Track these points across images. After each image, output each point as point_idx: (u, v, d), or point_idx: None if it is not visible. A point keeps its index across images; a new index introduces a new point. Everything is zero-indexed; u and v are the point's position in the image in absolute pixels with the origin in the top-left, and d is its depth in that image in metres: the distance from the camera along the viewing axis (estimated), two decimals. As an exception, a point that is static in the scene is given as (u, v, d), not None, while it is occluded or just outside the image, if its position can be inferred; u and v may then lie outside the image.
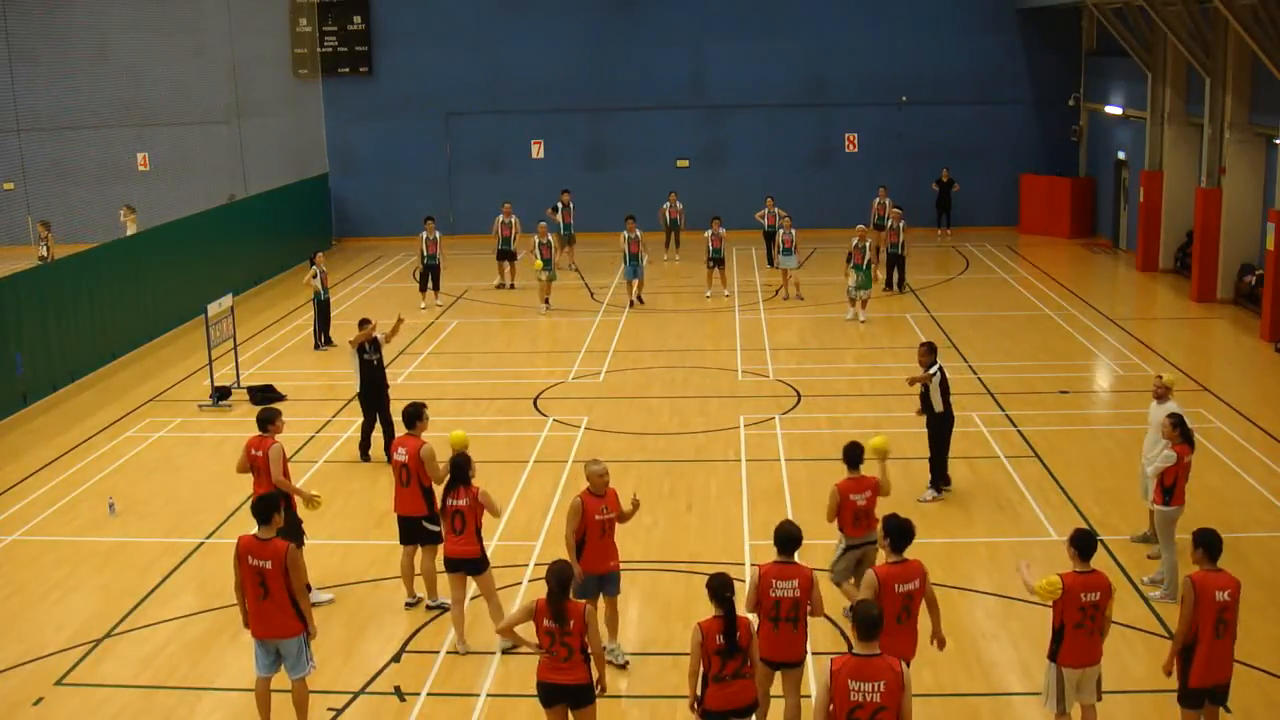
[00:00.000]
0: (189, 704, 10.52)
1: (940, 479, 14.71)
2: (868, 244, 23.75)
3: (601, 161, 33.99)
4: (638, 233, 25.13)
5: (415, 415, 12.10)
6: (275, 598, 9.48)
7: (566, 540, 10.60)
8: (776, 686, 9.33)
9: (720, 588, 8.39)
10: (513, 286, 27.60)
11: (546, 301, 25.42)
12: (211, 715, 10.43)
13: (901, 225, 25.58)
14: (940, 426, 14.53)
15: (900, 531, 9.07)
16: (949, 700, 10.19)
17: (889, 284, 26.08)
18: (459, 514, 10.93)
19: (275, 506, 9.67)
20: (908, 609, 8.93)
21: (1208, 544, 8.76)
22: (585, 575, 10.45)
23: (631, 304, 25.52)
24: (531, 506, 14.66)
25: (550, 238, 25.31)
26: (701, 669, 8.39)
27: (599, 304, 26.06)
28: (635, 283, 25.61)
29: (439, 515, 11.86)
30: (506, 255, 27.48)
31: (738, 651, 8.34)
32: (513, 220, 27.27)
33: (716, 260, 25.77)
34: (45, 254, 26.78)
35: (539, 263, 24.93)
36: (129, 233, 28.66)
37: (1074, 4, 30.90)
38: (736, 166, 33.68)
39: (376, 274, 30.28)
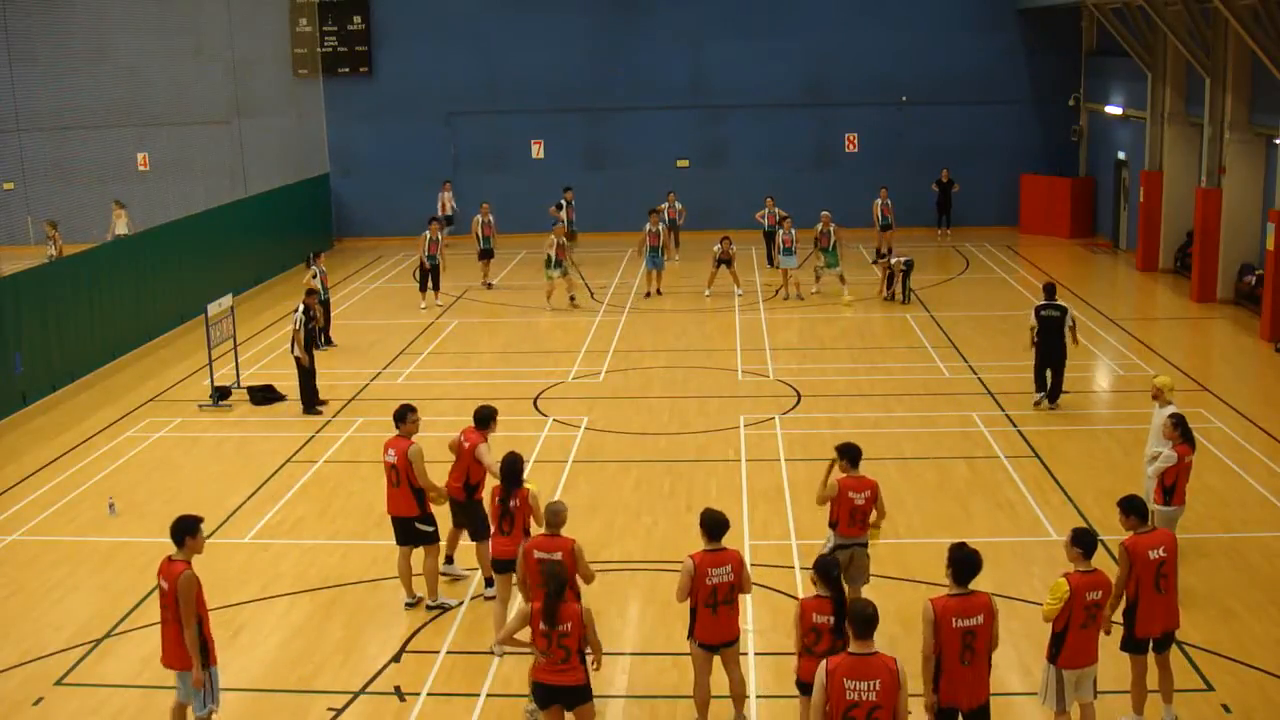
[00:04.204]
0: (189, 704, 10.51)
1: (1040, 385, 17.88)
2: (832, 228, 25.37)
3: (601, 161, 33.98)
4: (660, 226, 26.23)
5: (401, 417, 12.02)
6: (169, 625, 9.17)
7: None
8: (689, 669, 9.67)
9: (828, 568, 8.71)
10: (489, 285, 27.83)
11: (572, 298, 25.77)
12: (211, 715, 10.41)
13: (894, 265, 25.27)
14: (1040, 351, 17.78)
15: (963, 562, 8.36)
16: (949, 700, 10.18)
17: (905, 297, 25.67)
18: (508, 516, 10.87)
19: (189, 529, 9.25)
20: (971, 647, 8.22)
21: (1136, 510, 9.49)
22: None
23: (648, 294, 26.31)
24: (531, 506, 14.65)
25: (565, 239, 25.60)
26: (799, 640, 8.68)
27: (599, 304, 26.07)
28: (656, 274, 26.32)
29: (434, 516, 11.97)
30: (487, 255, 27.63)
31: (843, 633, 8.37)
32: (491, 220, 27.44)
33: (725, 262, 25.82)
34: (54, 253, 26.74)
35: (554, 272, 25.28)
36: (118, 230, 28.67)
37: (1074, 4, 30.89)
38: (736, 166, 33.66)
39: (376, 274, 30.28)
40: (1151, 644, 9.59)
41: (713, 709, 9.86)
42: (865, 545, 10.98)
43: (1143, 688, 9.61)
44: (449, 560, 12.80)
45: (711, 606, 9.29)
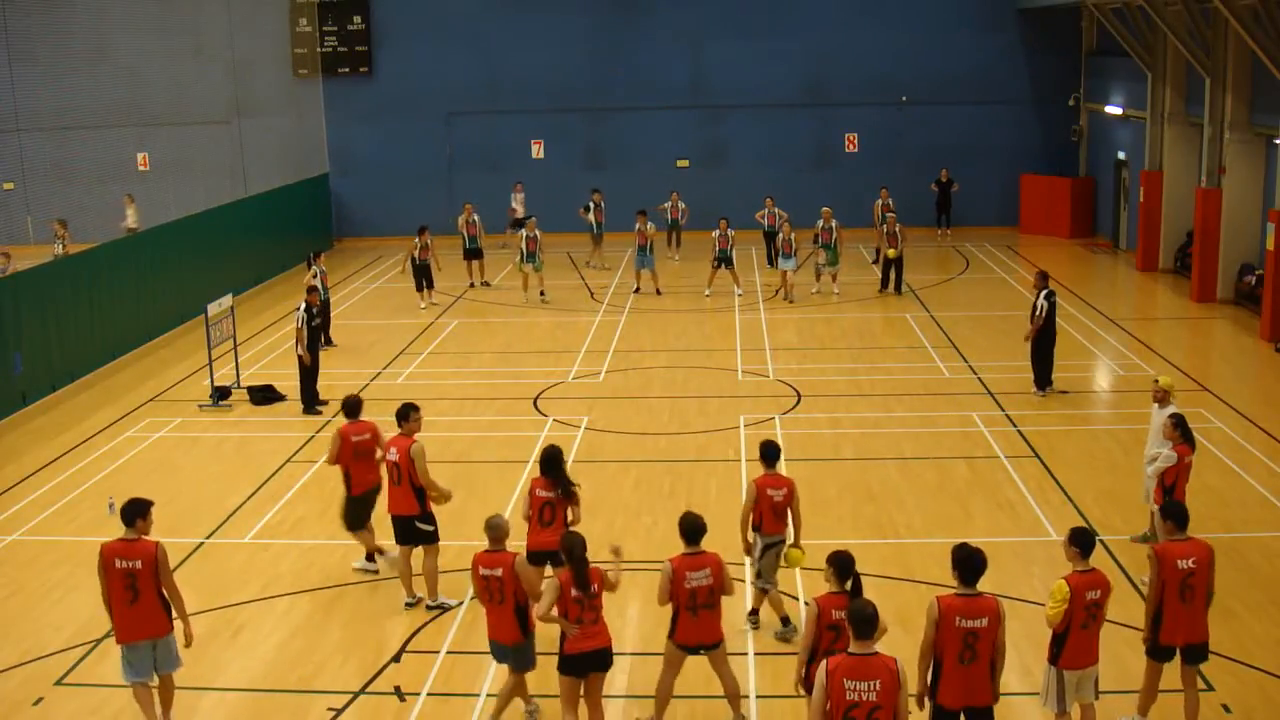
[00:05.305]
0: (189, 704, 10.50)
1: (1043, 381, 18.51)
2: (834, 225, 25.36)
3: (601, 161, 33.98)
4: (650, 226, 26.43)
5: (404, 415, 12.05)
6: (145, 599, 9.57)
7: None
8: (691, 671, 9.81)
9: (844, 563, 8.70)
10: (486, 284, 27.85)
11: (542, 293, 25.93)
12: (211, 715, 10.43)
13: (899, 229, 25.53)
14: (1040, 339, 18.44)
15: (966, 561, 8.39)
16: (949, 700, 10.17)
17: (884, 284, 26.04)
18: (549, 505, 10.97)
19: (141, 511, 9.74)
20: (973, 648, 8.20)
21: (1175, 516, 9.41)
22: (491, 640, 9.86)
23: (637, 290, 26.65)
24: (531, 506, 14.65)
25: (538, 232, 25.88)
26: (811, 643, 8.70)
27: (599, 304, 26.07)
28: (649, 273, 26.61)
29: (434, 514, 12.01)
30: (474, 255, 27.68)
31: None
32: (476, 219, 27.49)
33: (724, 260, 25.77)
34: (60, 252, 26.72)
35: (527, 265, 25.78)
36: (129, 222, 28.72)
37: (1074, 4, 30.90)
38: (736, 166, 33.67)
39: (376, 274, 30.28)
40: (1181, 656, 9.41)
41: (710, 709, 9.89)
42: (784, 541, 11.21)
43: (1152, 692, 9.53)
44: (381, 553, 12.98)
45: (692, 610, 9.38)
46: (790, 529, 11.23)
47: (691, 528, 9.44)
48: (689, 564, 9.34)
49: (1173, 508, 9.51)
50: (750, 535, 11.19)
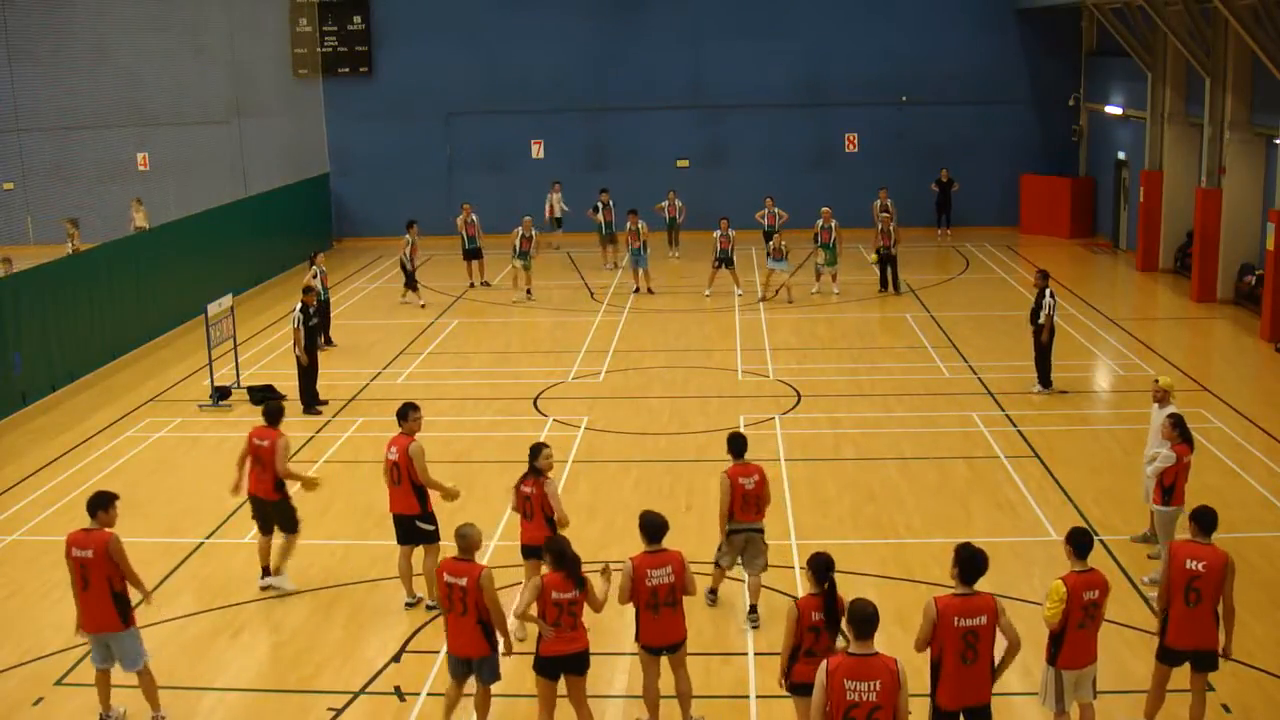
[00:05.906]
0: (189, 704, 10.52)
1: (1046, 380, 18.68)
2: (833, 225, 25.33)
3: (601, 161, 33.97)
4: (640, 225, 26.38)
5: (404, 415, 12.05)
6: (95, 589, 9.80)
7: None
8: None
9: (823, 567, 8.66)
10: (486, 284, 27.91)
11: (528, 291, 26.19)
12: (211, 715, 10.44)
13: (893, 227, 25.66)
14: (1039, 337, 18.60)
15: (969, 561, 8.40)
16: (949, 700, 10.16)
17: (883, 284, 26.13)
18: (528, 500, 11.06)
19: (103, 504, 10.00)
20: (973, 647, 8.21)
21: (1198, 518, 9.31)
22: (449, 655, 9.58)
23: (636, 290, 26.62)
24: (531, 506, 14.64)
25: (534, 232, 26.20)
26: (792, 644, 8.72)
27: (599, 304, 26.08)
28: (641, 272, 26.54)
29: (434, 514, 12.02)
30: (473, 255, 27.73)
31: (835, 628, 8.54)
32: (475, 219, 27.57)
33: (725, 261, 25.75)
34: (72, 251, 26.72)
35: (517, 261, 25.99)
36: (137, 223, 28.74)
37: (1074, 4, 30.90)
38: (736, 166, 33.66)
39: (376, 274, 30.28)
40: (1190, 663, 9.29)
41: (707, 708, 9.90)
42: (760, 531, 11.40)
43: (1158, 697, 9.47)
44: (268, 573, 12.70)
45: (653, 608, 9.37)
46: (764, 520, 11.41)
47: (652, 526, 9.47)
48: (650, 562, 9.36)
49: (1199, 511, 9.33)
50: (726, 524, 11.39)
